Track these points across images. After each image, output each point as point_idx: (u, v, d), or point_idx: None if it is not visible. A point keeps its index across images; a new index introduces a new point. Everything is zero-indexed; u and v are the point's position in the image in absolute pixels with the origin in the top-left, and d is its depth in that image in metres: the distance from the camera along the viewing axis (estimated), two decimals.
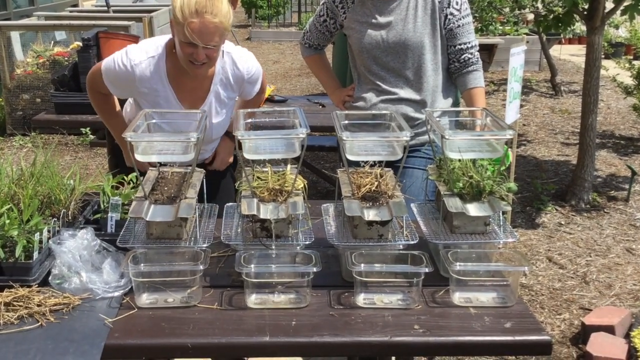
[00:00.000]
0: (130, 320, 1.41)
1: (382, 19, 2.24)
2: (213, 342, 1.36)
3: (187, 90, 2.07)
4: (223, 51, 2.07)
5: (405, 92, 2.27)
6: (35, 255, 1.51)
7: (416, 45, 2.22)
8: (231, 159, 2.36)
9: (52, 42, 5.68)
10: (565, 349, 2.64)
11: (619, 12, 3.85)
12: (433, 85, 2.28)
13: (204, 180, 1.71)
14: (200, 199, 1.66)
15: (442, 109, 2.24)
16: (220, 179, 2.35)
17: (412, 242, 1.59)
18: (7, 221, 1.53)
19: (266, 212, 1.53)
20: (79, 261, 1.51)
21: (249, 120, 1.70)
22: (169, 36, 2.08)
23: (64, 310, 1.43)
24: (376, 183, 1.65)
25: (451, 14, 2.21)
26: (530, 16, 7.50)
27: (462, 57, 2.26)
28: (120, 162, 2.32)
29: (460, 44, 2.25)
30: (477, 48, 2.30)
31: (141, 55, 2.01)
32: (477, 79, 2.27)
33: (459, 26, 2.23)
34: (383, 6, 2.24)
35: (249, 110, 1.75)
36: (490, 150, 1.60)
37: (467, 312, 1.47)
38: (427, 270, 1.47)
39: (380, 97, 2.30)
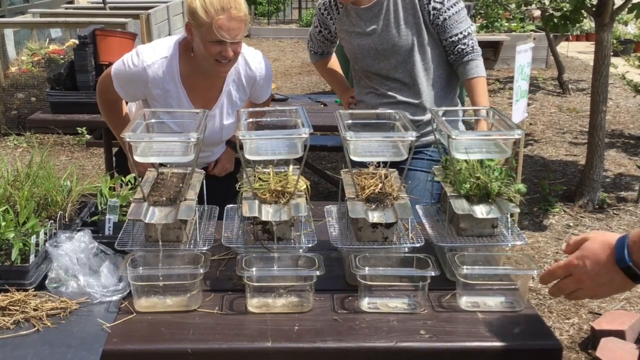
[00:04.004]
0: (128, 325, 1.38)
1: (366, 27, 2.23)
2: (214, 348, 1.33)
3: (199, 91, 2.07)
4: None
5: (402, 95, 2.25)
6: (32, 258, 1.49)
7: (404, 49, 2.19)
8: (232, 167, 2.36)
9: (48, 39, 5.64)
10: (574, 355, 2.60)
11: (627, 8, 3.79)
12: (428, 85, 2.25)
13: (204, 181, 1.68)
14: (200, 201, 1.63)
15: (445, 107, 2.19)
16: (223, 182, 2.32)
17: (418, 245, 1.56)
18: (3, 223, 1.51)
19: (268, 214, 1.50)
20: (76, 264, 1.48)
21: (251, 120, 1.68)
22: (178, 36, 2.06)
23: (61, 314, 1.40)
24: (380, 184, 1.62)
25: (434, 8, 2.16)
26: (537, 12, 7.44)
27: (456, 49, 2.20)
28: (122, 167, 2.30)
29: (451, 36, 2.19)
30: (473, 35, 2.22)
31: (153, 55, 2.00)
32: (474, 69, 2.20)
33: (445, 19, 2.17)
34: (365, 14, 2.22)
35: (250, 109, 1.73)
36: (498, 150, 1.57)
37: (475, 317, 1.44)
38: (433, 273, 1.44)
39: (379, 100, 2.29)
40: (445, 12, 2.16)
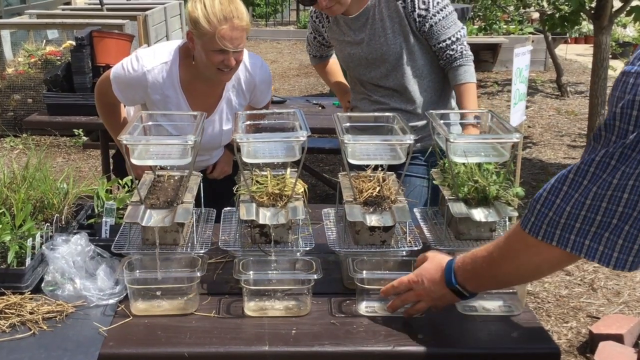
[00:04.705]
0: (125, 329, 1.38)
1: (355, 37, 2.23)
2: (210, 352, 1.32)
3: (199, 97, 2.06)
4: None
5: (395, 102, 2.25)
6: (28, 261, 1.48)
7: (393, 57, 2.18)
8: (230, 170, 2.35)
9: (44, 40, 5.61)
10: (572, 359, 2.59)
11: (626, 11, 3.80)
12: (421, 92, 2.24)
13: (202, 184, 1.67)
14: (197, 204, 1.63)
15: (443, 111, 2.19)
16: (221, 185, 2.32)
17: (416, 249, 1.55)
18: None
19: (265, 217, 1.50)
20: (73, 267, 1.48)
21: (249, 123, 1.67)
22: (179, 41, 2.06)
23: (57, 318, 1.39)
24: (378, 187, 1.62)
25: (419, 15, 2.12)
26: (536, 15, 7.46)
27: (445, 54, 2.17)
28: (120, 169, 2.30)
29: (439, 43, 2.15)
30: (463, 40, 2.18)
31: (153, 61, 2.00)
32: (462, 74, 2.16)
33: (431, 26, 2.13)
34: (354, 23, 2.21)
35: (248, 112, 1.72)
36: (496, 154, 1.56)
37: (473, 321, 1.44)
38: None
39: (373, 106, 2.28)
40: (431, 18, 2.12)
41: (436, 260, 1.35)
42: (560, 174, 1.08)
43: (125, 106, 2.23)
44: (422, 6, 2.12)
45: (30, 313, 1.39)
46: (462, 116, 2.05)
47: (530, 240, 1.11)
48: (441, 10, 2.13)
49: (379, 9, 2.16)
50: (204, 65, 1.95)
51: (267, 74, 2.16)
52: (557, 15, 4.20)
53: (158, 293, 1.45)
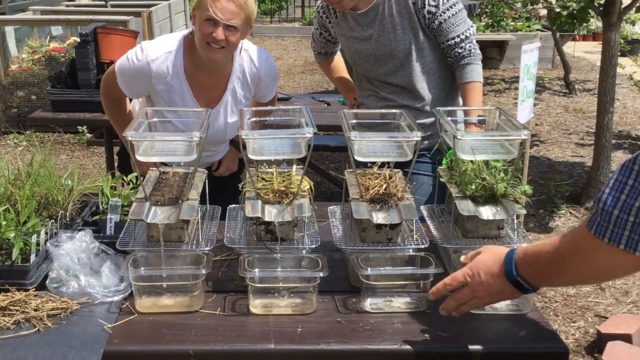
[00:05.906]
0: (130, 326, 1.37)
1: (364, 33, 2.21)
2: (216, 349, 1.32)
3: (203, 88, 2.06)
4: (241, 48, 2.05)
5: (403, 99, 2.23)
6: (33, 258, 1.48)
7: (402, 54, 2.16)
8: (236, 167, 2.35)
9: (48, 37, 5.61)
10: (580, 359, 2.57)
11: (635, 8, 3.76)
12: (429, 89, 2.22)
13: (207, 181, 1.66)
14: (202, 201, 1.62)
15: (450, 107, 2.17)
16: (227, 182, 2.32)
17: (422, 247, 1.53)
18: (4, 223, 1.50)
19: (271, 214, 1.49)
20: (77, 264, 1.47)
21: (254, 119, 1.66)
22: (184, 32, 2.06)
23: (61, 315, 1.39)
24: (385, 185, 1.60)
25: (429, 12, 2.10)
26: (543, 11, 7.40)
27: (453, 52, 2.15)
28: (126, 166, 2.29)
29: (448, 40, 2.14)
30: (472, 38, 2.16)
31: (157, 51, 2.00)
32: (469, 73, 2.14)
33: (440, 23, 2.11)
34: (362, 19, 2.20)
35: (254, 108, 1.72)
36: (504, 151, 1.55)
37: (480, 320, 1.43)
38: (435, 271, 1.42)
39: (380, 103, 2.27)
40: (441, 15, 2.10)
41: (493, 252, 1.25)
42: (621, 165, 0.97)
43: (130, 101, 2.22)
44: (432, 3, 2.10)
45: (35, 310, 1.39)
46: (466, 114, 2.03)
47: (597, 243, 1.01)
48: (451, 7, 2.12)
49: (389, 4, 2.15)
50: (198, 41, 1.95)
51: (272, 67, 2.15)
52: (565, 12, 4.17)
53: (163, 290, 1.44)
